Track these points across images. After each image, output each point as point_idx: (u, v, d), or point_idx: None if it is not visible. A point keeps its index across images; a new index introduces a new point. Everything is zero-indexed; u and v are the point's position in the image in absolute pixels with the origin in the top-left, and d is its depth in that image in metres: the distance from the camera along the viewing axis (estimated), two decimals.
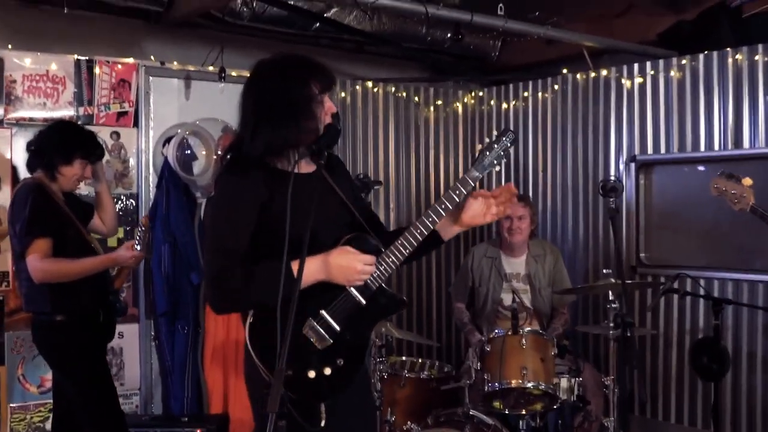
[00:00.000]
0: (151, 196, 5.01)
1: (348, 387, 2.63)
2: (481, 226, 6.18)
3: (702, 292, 4.71)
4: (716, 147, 4.96)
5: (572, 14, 5.98)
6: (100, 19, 5.22)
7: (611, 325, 4.05)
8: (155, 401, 5.05)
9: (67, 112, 4.77)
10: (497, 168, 2.76)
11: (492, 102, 6.24)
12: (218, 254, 2.51)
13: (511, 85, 6.15)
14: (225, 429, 4.83)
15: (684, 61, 5.11)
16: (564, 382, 4.17)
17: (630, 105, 5.38)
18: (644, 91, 5.30)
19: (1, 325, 4.57)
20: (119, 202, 4.94)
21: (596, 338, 5.54)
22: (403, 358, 4.93)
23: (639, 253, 5.32)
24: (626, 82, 5.39)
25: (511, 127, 6.07)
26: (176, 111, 5.13)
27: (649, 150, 5.27)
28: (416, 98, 6.22)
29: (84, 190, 4.68)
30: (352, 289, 2.59)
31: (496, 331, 4.24)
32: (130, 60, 5.01)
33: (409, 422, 4.27)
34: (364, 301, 2.61)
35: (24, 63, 4.66)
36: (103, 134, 4.77)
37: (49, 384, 4.60)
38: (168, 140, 4.97)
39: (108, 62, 4.92)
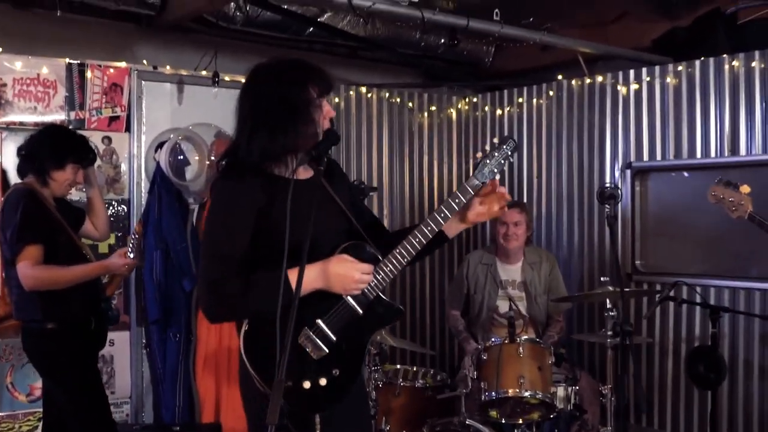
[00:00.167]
0: (143, 201, 4.95)
1: (344, 398, 2.59)
2: (476, 234, 6.17)
3: (699, 299, 4.68)
4: (713, 154, 4.94)
5: (566, 20, 5.96)
6: (92, 23, 5.17)
7: (609, 333, 4.01)
8: (146, 410, 4.99)
9: (58, 117, 4.71)
10: (498, 176, 2.72)
11: (486, 108, 6.21)
12: (214, 261, 2.46)
13: (505, 91, 6.12)
14: None
15: (680, 68, 5.09)
16: (561, 391, 4.14)
17: (626, 111, 5.35)
18: (640, 98, 5.28)
19: None
20: (111, 207, 4.88)
21: (591, 346, 5.50)
22: (398, 366, 4.87)
23: (634, 260, 5.29)
24: (622, 89, 5.37)
25: (506, 134, 6.03)
26: (169, 116, 5.08)
27: (645, 157, 5.25)
28: (410, 104, 6.19)
29: (75, 195, 4.64)
30: (349, 298, 2.55)
31: (493, 339, 4.21)
32: (123, 64, 4.96)
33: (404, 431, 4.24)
34: (361, 311, 2.57)
35: (15, 66, 4.60)
36: (95, 139, 4.72)
37: (38, 392, 4.55)
38: (160, 145, 4.91)
39: (100, 66, 4.87)
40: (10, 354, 4.56)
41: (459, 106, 6.38)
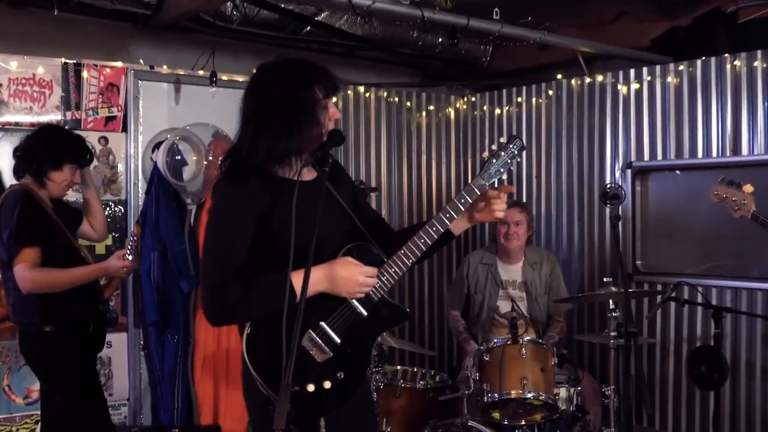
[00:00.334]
0: (140, 202, 4.90)
1: (348, 401, 2.55)
2: (476, 234, 6.14)
3: (700, 300, 4.66)
4: (714, 154, 4.92)
5: (565, 20, 5.93)
6: (88, 22, 5.13)
7: (613, 334, 3.98)
8: (144, 412, 4.95)
9: (54, 117, 4.67)
10: (504, 176, 2.70)
11: (485, 107, 6.18)
12: (216, 264, 2.43)
13: (504, 91, 6.09)
14: None
15: (681, 67, 5.07)
16: (563, 392, 4.11)
17: (626, 111, 5.33)
18: (641, 97, 5.25)
19: None
20: (108, 208, 4.84)
21: (592, 346, 5.47)
22: (398, 367, 4.84)
23: (635, 260, 5.26)
24: (622, 88, 5.34)
25: (504, 133, 6.01)
26: (166, 116, 5.03)
27: (646, 156, 5.22)
28: (408, 103, 6.15)
29: (71, 196, 4.59)
30: (353, 300, 2.52)
31: (495, 340, 4.18)
32: (119, 64, 4.92)
33: None
34: (365, 313, 2.55)
35: (10, 66, 4.55)
36: (91, 139, 4.65)
37: (35, 395, 4.51)
38: (157, 145, 4.86)
39: (96, 66, 4.82)
40: (6, 356, 4.51)
41: (457, 105, 6.35)
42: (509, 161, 2.69)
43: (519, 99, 5.96)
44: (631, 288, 5.07)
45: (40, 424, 4.09)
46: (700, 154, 4.98)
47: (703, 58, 4.98)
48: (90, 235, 4.13)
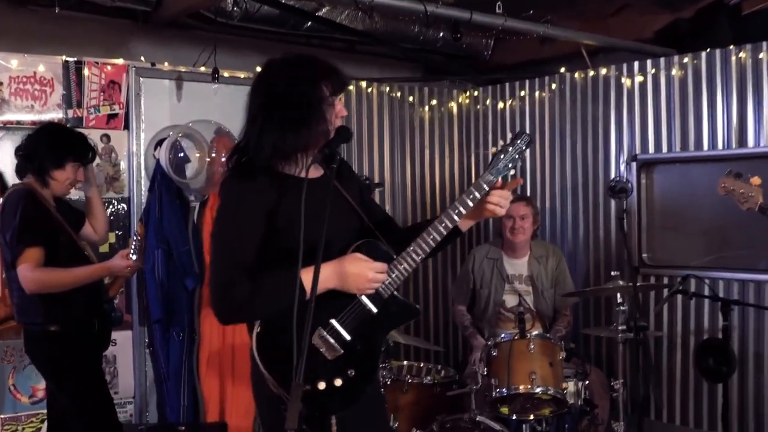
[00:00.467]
0: (143, 200, 4.87)
1: (360, 398, 2.54)
2: (480, 228, 6.12)
3: (708, 292, 4.64)
4: (720, 146, 4.89)
5: (566, 12, 5.90)
6: (88, 19, 5.10)
7: (622, 328, 3.96)
8: (150, 410, 4.93)
9: (55, 115, 4.63)
10: (512, 171, 2.68)
11: (488, 101, 6.15)
12: (224, 263, 2.41)
13: (507, 84, 6.06)
14: None
15: (686, 59, 5.04)
16: (571, 386, 4.10)
17: (630, 104, 5.30)
18: (645, 90, 5.22)
19: None
20: (110, 206, 4.81)
21: (598, 340, 5.45)
22: (404, 362, 4.82)
23: (641, 253, 5.24)
24: (626, 81, 5.31)
25: (508, 127, 5.99)
26: (168, 113, 4.99)
27: (651, 149, 5.20)
28: (410, 98, 6.12)
29: (74, 194, 4.57)
30: (363, 297, 2.50)
31: (503, 335, 4.16)
32: (120, 61, 4.88)
33: (414, 429, 4.19)
34: (375, 310, 2.53)
35: (10, 65, 4.52)
36: (93, 137, 4.63)
37: (40, 394, 4.49)
38: (160, 143, 4.83)
39: (97, 63, 4.79)
40: (11, 356, 4.49)
41: (460, 99, 6.32)
42: (517, 156, 2.67)
43: (522, 93, 5.93)
44: (638, 281, 5.07)
45: (45, 423, 4.08)
46: (705, 146, 4.96)
47: (708, 50, 4.96)
48: (91, 238, 4.09)
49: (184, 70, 5.06)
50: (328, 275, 2.41)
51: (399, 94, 6.06)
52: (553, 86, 5.73)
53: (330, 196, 2.37)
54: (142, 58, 5.03)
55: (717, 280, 4.86)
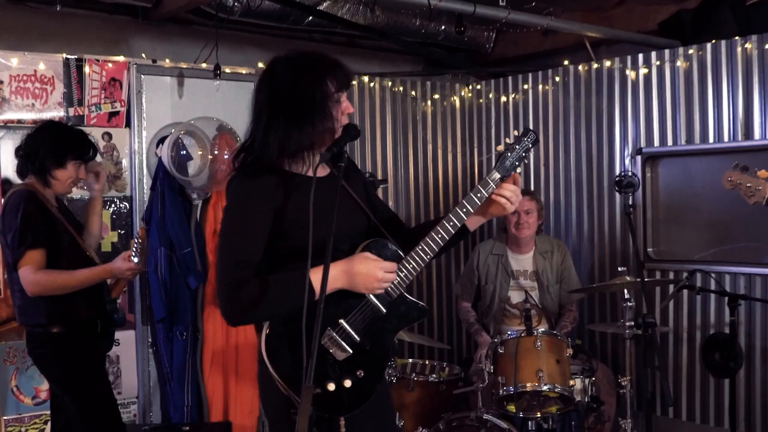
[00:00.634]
0: (146, 198, 4.84)
1: (369, 399, 2.52)
2: (483, 223, 6.07)
3: (714, 287, 4.60)
4: (726, 139, 4.84)
5: (569, 4, 5.86)
6: (87, 16, 5.07)
7: (630, 323, 3.93)
8: (154, 410, 4.89)
9: (56, 114, 4.59)
10: (519, 169, 2.67)
11: (491, 95, 6.11)
12: (231, 264, 2.38)
13: (510, 78, 6.01)
14: None
15: (691, 51, 4.99)
16: (578, 383, 4.07)
17: (635, 96, 5.25)
18: (649, 82, 5.17)
19: None
20: (113, 205, 4.78)
21: (604, 336, 5.41)
22: (410, 360, 4.79)
23: (646, 247, 5.20)
24: (630, 73, 5.27)
25: (511, 121, 5.95)
26: (169, 110, 4.94)
27: (656, 142, 5.15)
28: (413, 92, 6.08)
29: (76, 193, 4.54)
30: (372, 297, 2.48)
31: (509, 332, 4.13)
32: (121, 58, 4.84)
33: (420, 427, 4.17)
34: (384, 310, 2.51)
35: (11, 63, 4.47)
36: (95, 135, 4.59)
37: (43, 395, 4.47)
38: (162, 140, 4.79)
39: (98, 61, 4.74)
40: (14, 357, 4.46)
41: (462, 93, 6.27)
42: (524, 154, 2.68)
43: (525, 86, 5.89)
44: (644, 275, 5.03)
45: (49, 424, 4.05)
46: (711, 139, 4.91)
47: (713, 41, 4.91)
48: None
49: (185, 66, 5.02)
50: (337, 275, 2.39)
51: (401, 88, 6.02)
52: (557, 79, 5.69)
53: (338, 195, 2.34)
54: (143, 55, 4.99)
55: (723, 274, 4.83)
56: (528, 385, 3.88)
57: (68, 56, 4.65)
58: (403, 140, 6.04)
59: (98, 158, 4.58)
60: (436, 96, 6.18)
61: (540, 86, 5.80)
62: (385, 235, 2.58)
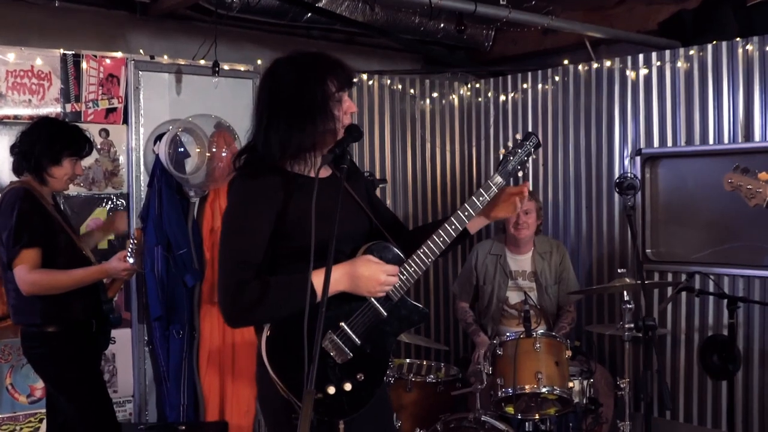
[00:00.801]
0: (143, 195, 4.81)
1: (368, 403, 2.51)
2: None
3: (713, 288, 4.59)
4: (726, 140, 4.82)
5: (568, 3, 5.83)
6: (85, 11, 5.02)
7: (630, 326, 3.92)
8: (149, 409, 4.87)
9: (53, 110, 4.55)
10: (521, 173, 2.67)
11: (489, 94, 6.08)
12: (233, 265, 2.36)
13: (509, 77, 5.99)
14: None
15: (691, 52, 4.97)
16: (576, 385, 4.06)
17: (635, 97, 5.23)
18: (650, 83, 5.15)
19: None
20: (109, 202, 4.75)
21: (601, 337, 5.39)
22: (407, 360, 4.77)
23: (645, 249, 5.19)
24: (630, 73, 5.24)
25: (510, 120, 5.93)
26: (167, 107, 4.91)
27: (655, 143, 5.13)
28: (412, 90, 6.06)
29: (72, 190, 4.51)
30: (373, 300, 2.46)
31: (508, 334, 4.12)
32: (119, 54, 4.80)
33: (417, 428, 4.15)
34: (385, 313, 2.50)
35: (7, 58, 4.44)
36: (92, 132, 4.55)
37: (38, 393, 4.45)
38: (159, 137, 4.75)
39: (95, 57, 4.70)
40: (9, 355, 4.43)
41: (462, 92, 6.25)
42: (526, 158, 2.72)
43: (524, 85, 5.86)
44: (642, 276, 5.02)
45: (44, 422, 4.02)
46: (711, 140, 4.89)
47: (714, 42, 4.89)
48: None
49: (183, 63, 4.99)
50: (340, 277, 2.38)
51: (400, 86, 5.99)
52: (556, 78, 5.67)
53: (340, 196, 2.33)
54: (141, 51, 4.95)
55: (722, 276, 4.81)
56: (527, 386, 3.87)
57: (65, 52, 4.61)
58: (402, 138, 6.01)
59: (95, 154, 4.58)
60: (435, 94, 6.15)
61: (539, 85, 5.77)
62: (386, 238, 2.57)
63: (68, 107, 4.60)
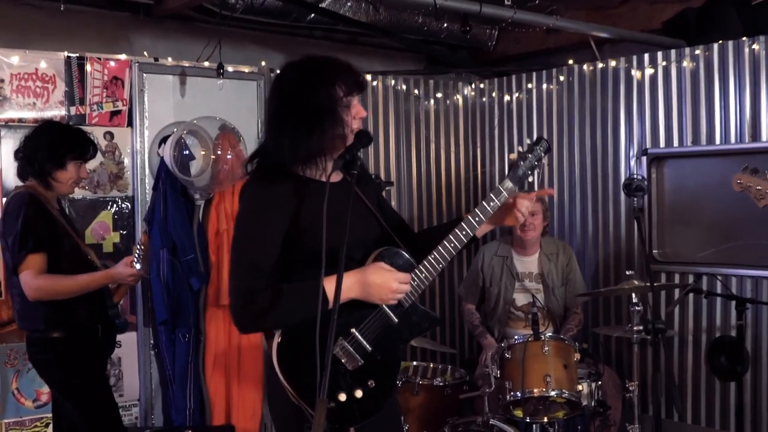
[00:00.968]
0: (148, 198, 4.78)
1: (379, 410, 2.50)
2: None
3: (720, 289, 4.57)
4: (732, 140, 4.80)
5: (573, 3, 5.81)
6: (89, 12, 5.01)
7: (639, 328, 3.90)
8: (155, 412, 4.85)
9: (58, 112, 4.53)
10: (530, 178, 2.66)
11: (494, 94, 6.06)
12: (245, 270, 2.35)
13: (513, 77, 5.97)
14: None
15: (697, 51, 4.95)
16: (584, 387, 4.04)
17: (640, 96, 5.20)
18: (655, 82, 5.13)
19: None
20: (114, 205, 4.73)
21: (608, 339, 5.36)
22: (414, 363, 4.75)
23: (651, 249, 5.16)
24: (636, 73, 5.22)
25: (515, 120, 5.91)
26: (172, 109, 4.89)
27: (661, 143, 5.11)
28: (416, 91, 6.03)
29: (77, 194, 4.48)
30: (385, 306, 2.45)
31: (516, 337, 4.10)
32: (123, 56, 4.78)
33: None
34: (396, 320, 2.48)
35: (12, 61, 4.41)
36: (96, 135, 4.50)
37: (44, 398, 4.43)
38: (164, 140, 4.73)
39: (100, 59, 4.68)
40: (15, 359, 4.41)
41: (465, 92, 6.23)
42: (536, 163, 2.69)
43: (529, 85, 5.84)
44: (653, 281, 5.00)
45: (50, 427, 4.00)
46: (717, 140, 4.86)
47: (720, 42, 4.86)
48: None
49: (187, 65, 4.96)
50: (351, 285, 2.37)
51: (404, 86, 5.97)
52: (561, 78, 5.64)
53: (351, 202, 2.32)
54: (145, 53, 4.93)
55: (730, 276, 4.79)
56: (535, 390, 3.85)
57: (70, 54, 4.59)
58: (406, 139, 5.99)
59: (99, 157, 4.55)
60: (439, 95, 6.13)
61: (544, 85, 5.75)
62: (397, 243, 2.55)
63: (73, 110, 4.58)
